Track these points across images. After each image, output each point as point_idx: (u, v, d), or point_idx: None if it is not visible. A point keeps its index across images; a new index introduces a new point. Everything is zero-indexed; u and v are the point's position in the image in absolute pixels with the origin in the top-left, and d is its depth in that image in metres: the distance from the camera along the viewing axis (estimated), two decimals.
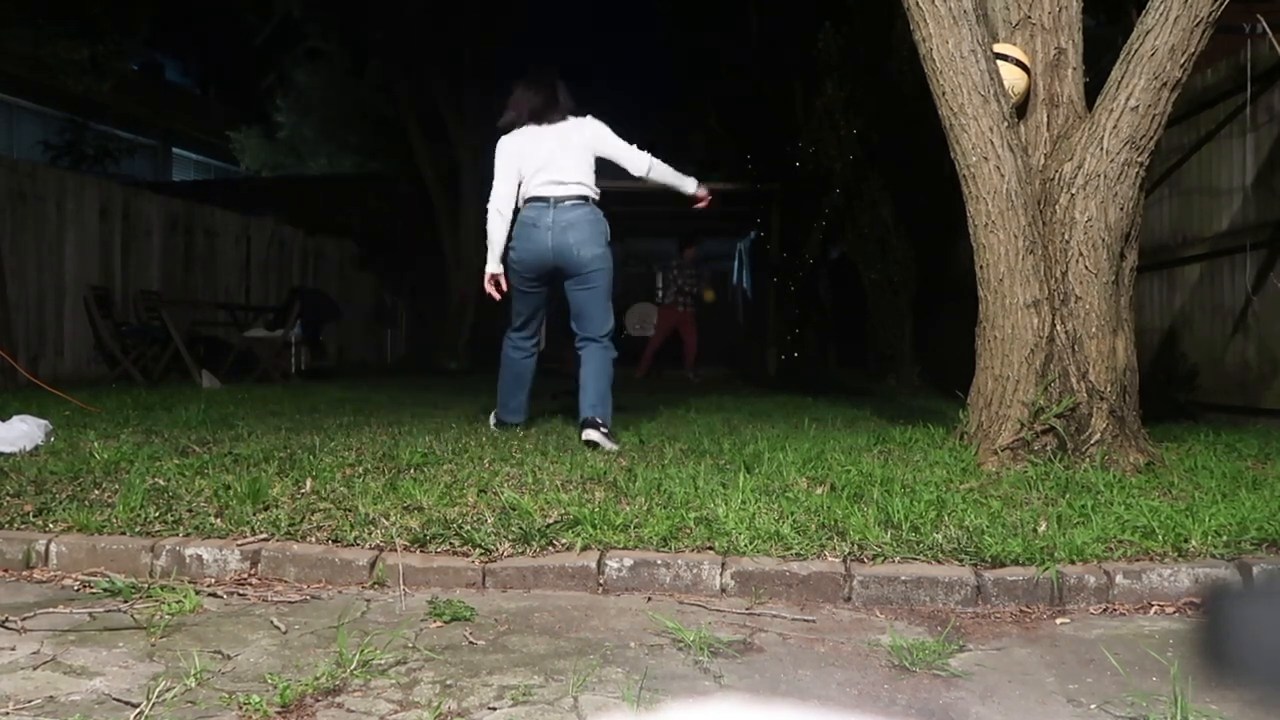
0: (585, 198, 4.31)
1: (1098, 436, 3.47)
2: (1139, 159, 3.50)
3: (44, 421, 4.01)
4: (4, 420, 3.86)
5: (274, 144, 21.04)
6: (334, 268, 13.96)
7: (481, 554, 2.44)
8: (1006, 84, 3.58)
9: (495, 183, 4.37)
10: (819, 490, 3.03)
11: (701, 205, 4.64)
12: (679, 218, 16.30)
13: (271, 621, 2.07)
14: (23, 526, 2.65)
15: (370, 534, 2.54)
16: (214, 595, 2.27)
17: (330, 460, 3.43)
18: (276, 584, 2.39)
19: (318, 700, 1.63)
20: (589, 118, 4.44)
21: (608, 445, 3.96)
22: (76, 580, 2.38)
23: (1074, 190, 3.55)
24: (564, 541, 2.50)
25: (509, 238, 4.38)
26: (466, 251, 13.34)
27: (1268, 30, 4.97)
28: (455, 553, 2.46)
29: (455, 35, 12.97)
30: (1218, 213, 5.64)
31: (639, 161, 4.44)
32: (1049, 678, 1.82)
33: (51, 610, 2.13)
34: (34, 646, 1.89)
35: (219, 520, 2.65)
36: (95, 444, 3.77)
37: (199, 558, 2.45)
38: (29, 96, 16.89)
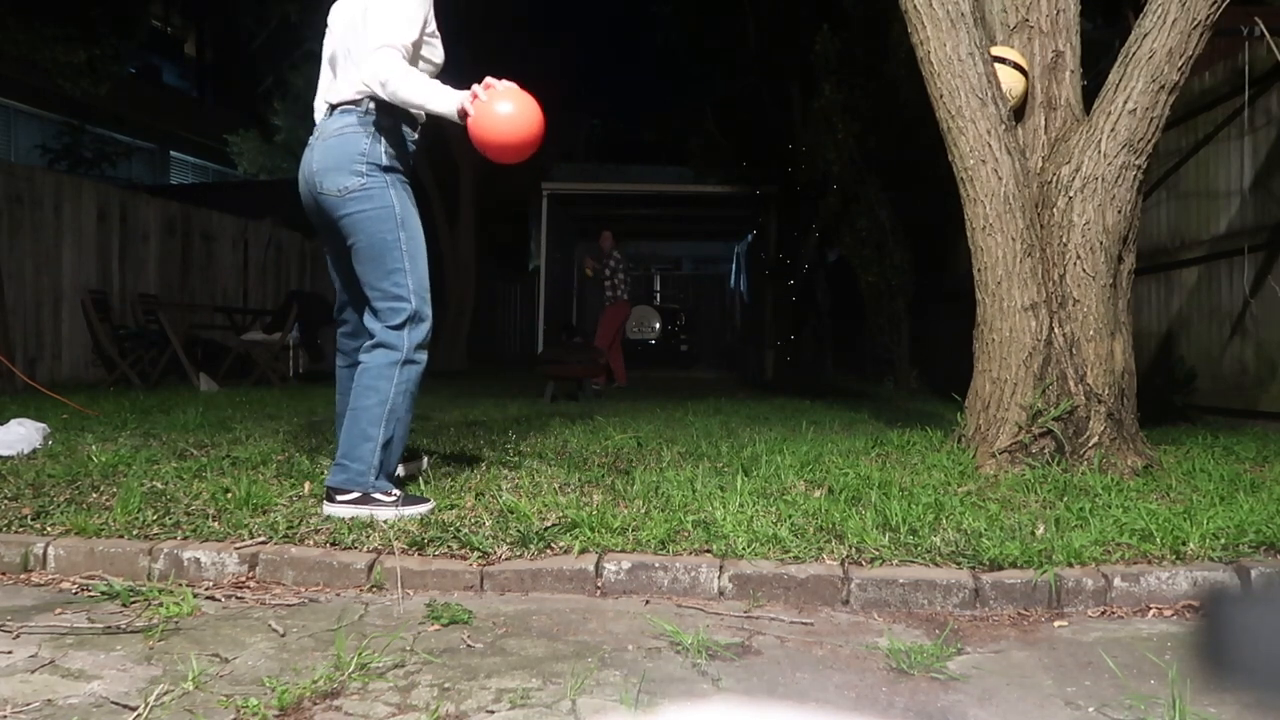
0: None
1: (1095, 439, 3.47)
2: (1137, 162, 3.50)
3: (42, 425, 4.00)
4: (2, 424, 3.86)
5: (271, 147, 21.03)
6: None
7: (479, 557, 2.43)
8: (1004, 87, 3.59)
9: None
10: (817, 493, 3.03)
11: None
12: (679, 220, 16.35)
13: (269, 624, 2.07)
14: (21, 530, 2.64)
15: (368, 537, 2.54)
16: (212, 598, 2.27)
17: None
18: (274, 587, 2.38)
19: (316, 703, 1.63)
20: None
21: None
22: (74, 583, 2.38)
23: (1072, 193, 3.55)
24: (562, 544, 2.50)
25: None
26: (464, 254, 13.33)
27: (1265, 33, 4.98)
28: (453, 556, 2.46)
29: (452, 36, 12.98)
30: (1215, 216, 5.65)
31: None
32: (1047, 680, 1.82)
33: (49, 613, 2.13)
34: (32, 650, 1.89)
35: (217, 523, 2.65)
36: (93, 447, 3.77)
37: (197, 561, 2.45)
38: (27, 100, 16.88)
